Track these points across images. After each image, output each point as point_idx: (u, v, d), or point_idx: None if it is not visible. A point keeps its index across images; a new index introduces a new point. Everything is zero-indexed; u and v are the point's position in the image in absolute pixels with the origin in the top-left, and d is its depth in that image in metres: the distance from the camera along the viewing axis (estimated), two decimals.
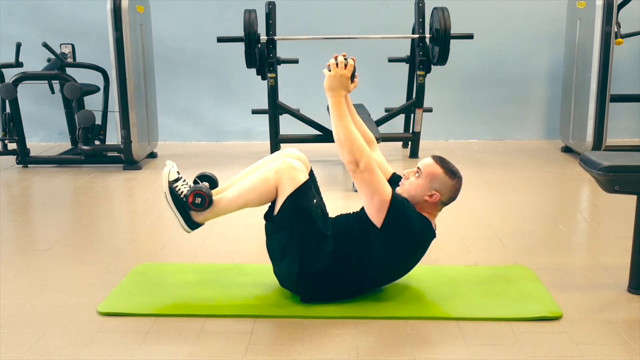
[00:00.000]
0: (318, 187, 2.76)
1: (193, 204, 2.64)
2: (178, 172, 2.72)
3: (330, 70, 2.53)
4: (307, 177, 2.61)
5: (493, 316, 2.54)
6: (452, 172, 2.62)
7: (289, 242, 2.57)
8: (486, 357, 2.26)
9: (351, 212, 2.76)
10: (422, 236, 2.62)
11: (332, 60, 2.54)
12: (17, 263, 3.20)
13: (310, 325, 2.49)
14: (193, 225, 2.71)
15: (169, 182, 2.68)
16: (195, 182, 2.80)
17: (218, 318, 2.55)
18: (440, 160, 2.63)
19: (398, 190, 2.62)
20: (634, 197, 2.72)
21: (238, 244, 3.44)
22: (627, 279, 2.80)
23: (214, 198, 2.67)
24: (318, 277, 2.59)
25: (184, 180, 2.72)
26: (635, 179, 2.62)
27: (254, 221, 3.67)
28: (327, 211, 2.69)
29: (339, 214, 2.79)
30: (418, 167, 2.63)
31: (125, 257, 3.25)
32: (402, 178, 2.68)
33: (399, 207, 2.51)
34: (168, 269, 3.06)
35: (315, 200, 2.59)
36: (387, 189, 2.50)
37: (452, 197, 2.65)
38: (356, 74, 2.56)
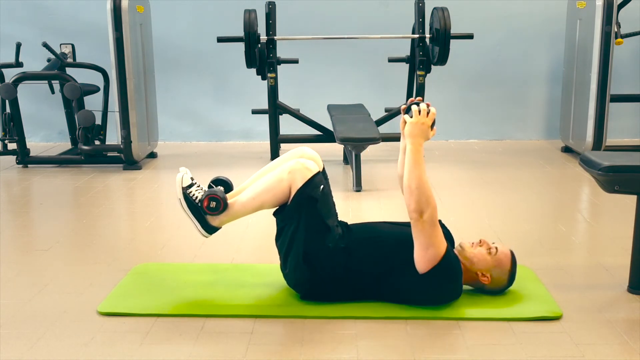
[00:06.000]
0: (329, 184, 2.76)
1: (208, 207, 2.66)
2: (192, 178, 2.74)
3: (412, 117, 2.56)
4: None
5: (493, 316, 2.54)
6: (512, 277, 2.69)
7: (296, 231, 2.58)
8: (486, 357, 2.26)
9: (388, 228, 2.75)
10: (451, 297, 2.64)
11: (415, 107, 2.55)
12: (17, 263, 3.20)
13: (310, 325, 2.49)
14: (210, 229, 2.72)
15: (182, 188, 2.70)
16: (209, 186, 2.80)
17: (218, 318, 2.55)
18: (514, 261, 2.68)
19: (466, 245, 2.67)
20: (634, 197, 2.73)
21: (238, 244, 3.44)
22: (627, 279, 2.80)
23: (229, 201, 2.68)
24: (322, 273, 2.59)
25: (198, 185, 2.74)
26: (635, 179, 2.62)
27: (254, 221, 3.66)
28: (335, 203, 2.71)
29: (372, 222, 2.83)
30: (496, 247, 2.67)
31: (125, 257, 3.25)
32: (461, 243, 2.69)
33: (451, 266, 2.54)
34: (168, 269, 3.06)
35: (322, 187, 2.61)
36: (444, 245, 2.52)
37: (491, 290, 2.69)
38: (435, 124, 2.57)
